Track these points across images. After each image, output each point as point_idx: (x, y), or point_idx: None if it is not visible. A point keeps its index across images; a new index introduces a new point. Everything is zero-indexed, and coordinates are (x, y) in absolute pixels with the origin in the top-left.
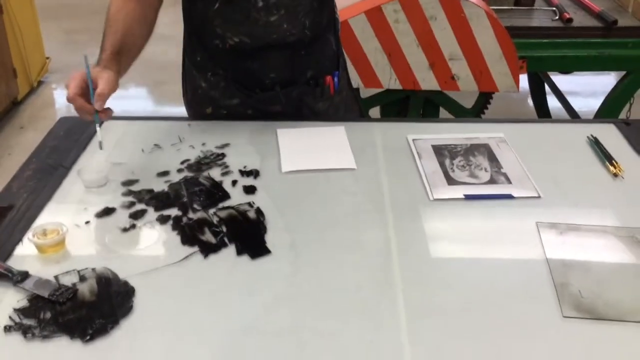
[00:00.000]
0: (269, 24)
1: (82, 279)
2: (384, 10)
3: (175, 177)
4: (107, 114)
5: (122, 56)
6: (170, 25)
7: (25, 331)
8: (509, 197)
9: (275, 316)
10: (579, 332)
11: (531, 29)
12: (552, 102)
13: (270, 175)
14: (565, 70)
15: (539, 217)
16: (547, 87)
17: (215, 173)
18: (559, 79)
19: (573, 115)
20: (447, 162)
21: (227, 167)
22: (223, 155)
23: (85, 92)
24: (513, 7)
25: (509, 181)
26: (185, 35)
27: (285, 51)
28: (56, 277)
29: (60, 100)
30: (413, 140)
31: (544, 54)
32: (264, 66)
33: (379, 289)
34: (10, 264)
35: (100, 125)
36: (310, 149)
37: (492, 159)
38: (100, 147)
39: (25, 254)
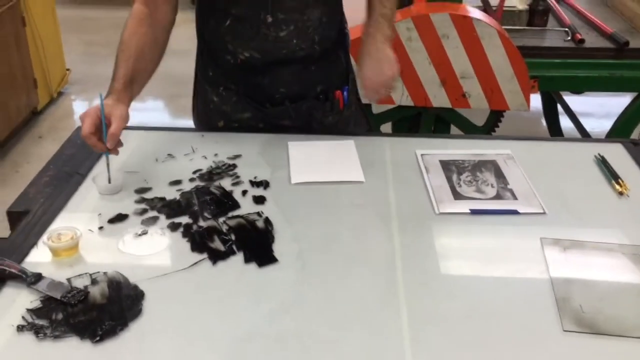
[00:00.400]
0: (279, 39)
1: (94, 282)
2: (397, 28)
3: (187, 186)
4: (117, 150)
5: (134, 84)
6: (186, 41)
7: (37, 331)
8: (515, 212)
9: (280, 323)
10: (579, 347)
11: (543, 49)
12: (566, 122)
13: (280, 186)
14: (577, 90)
15: (543, 233)
16: (560, 107)
17: (226, 183)
18: (572, 100)
19: (584, 136)
20: (455, 177)
21: (238, 177)
22: (234, 165)
23: (99, 128)
24: (526, 27)
25: (514, 197)
26: (197, 52)
27: (295, 66)
28: (69, 280)
29: (79, 111)
30: (421, 155)
31: (556, 74)
32: (274, 81)
33: (383, 299)
34: (25, 266)
35: (108, 159)
36: (319, 161)
37: (499, 175)
38: (109, 181)
39: (40, 257)
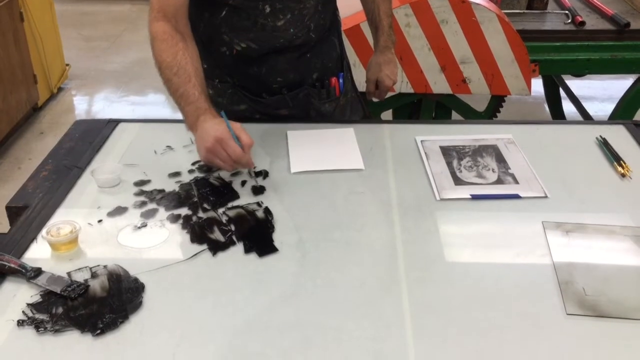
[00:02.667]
0: (276, 28)
1: (94, 275)
2: (395, 15)
3: (186, 178)
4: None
5: (209, 99)
6: None
7: (37, 325)
8: (516, 197)
9: (281, 312)
10: (582, 329)
11: (544, 32)
12: (568, 106)
13: (280, 176)
14: (578, 73)
15: (545, 217)
16: (562, 92)
17: (225, 173)
18: (574, 83)
19: (587, 119)
20: (455, 162)
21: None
22: None
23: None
24: (525, 11)
25: (516, 181)
26: None
27: (292, 54)
28: (69, 274)
29: (79, 107)
30: (421, 141)
31: (557, 57)
32: (270, 70)
33: (384, 287)
34: (24, 261)
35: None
36: (319, 150)
37: (500, 159)
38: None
39: (40, 251)
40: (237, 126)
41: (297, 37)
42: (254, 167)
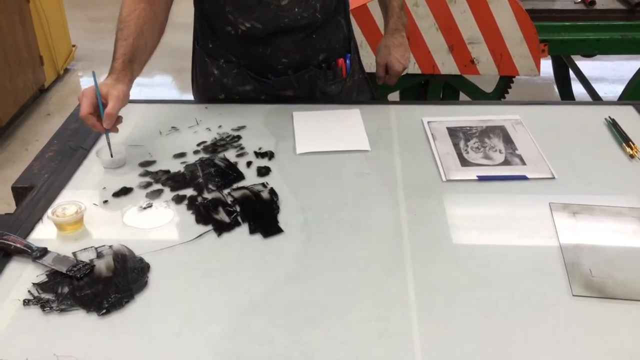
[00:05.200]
0: (281, 8)
1: (100, 255)
2: None
3: (192, 159)
4: (116, 128)
5: (134, 63)
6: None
7: (43, 305)
8: (523, 178)
9: (286, 293)
10: (588, 311)
11: (553, 11)
12: (578, 88)
13: (285, 157)
14: (588, 53)
15: (552, 198)
16: (572, 73)
17: (230, 154)
18: (584, 64)
19: (597, 101)
20: (462, 143)
21: (242, 148)
22: (239, 137)
23: (97, 108)
24: None
25: (523, 162)
26: (196, 23)
27: (297, 35)
28: (74, 254)
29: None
30: (428, 122)
31: (566, 37)
32: (275, 51)
33: (389, 267)
34: (30, 241)
35: (108, 137)
36: (325, 131)
37: (508, 140)
38: (111, 155)
39: (45, 232)
40: (113, 94)
41: (302, 17)
42: (253, 149)
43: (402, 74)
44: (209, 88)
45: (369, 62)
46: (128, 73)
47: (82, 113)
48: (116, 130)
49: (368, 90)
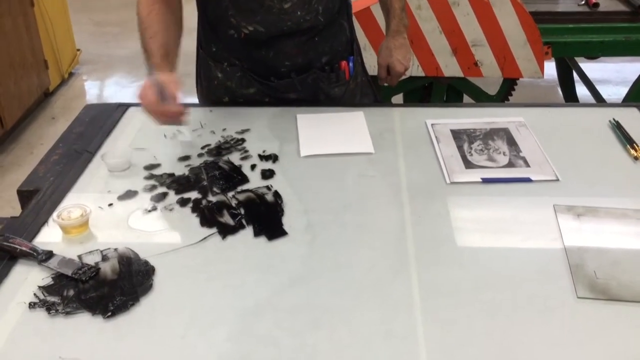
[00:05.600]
0: (283, 11)
1: (105, 258)
2: None
3: (196, 162)
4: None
5: (169, 56)
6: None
7: (49, 308)
8: (527, 180)
9: (290, 295)
10: (593, 313)
11: (556, 14)
12: (582, 90)
13: (289, 160)
14: (592, 55)
15: (557, 200)
16: (576, 75)
17: (234, 157)
18: (588, 67)
19: (600, 102)
20: (466, 146)
21: (246, 151)
22: (243, 140)
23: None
24: None
25: (527, 165)
26: (199, 27)
27: (300, 38)
28: (79, 257)
29: (90, 92)
30: (432, 124)
31: (570, 40)
32: (278, 54)
33: (394, 270)
34: (35, 244)
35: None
36: (328, 133)
37: (512, 142)
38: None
39: (51, 235)
40: (169, 79)
41: (304, 20)
42: (258, 153)
43: (405, 77)
44: (213, 91)
45: (372, 64)
46: (168, 66)
47: (150, 100)
48: (185, 119)
49: (371, 92)
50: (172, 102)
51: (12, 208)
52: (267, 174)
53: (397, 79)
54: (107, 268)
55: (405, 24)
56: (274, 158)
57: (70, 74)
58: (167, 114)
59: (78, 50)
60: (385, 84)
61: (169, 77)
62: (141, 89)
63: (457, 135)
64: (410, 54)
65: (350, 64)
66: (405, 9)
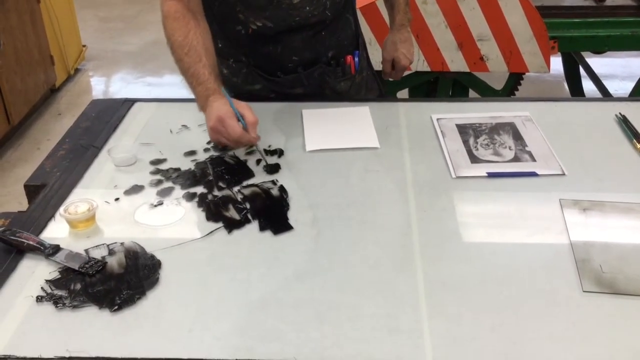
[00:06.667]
0: (292, 6)
1: (111, 252)
2: None
3: (202, 157)
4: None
5: (219, 78)
6: None
7: (56, 301)
8: (533, 174)
9: (295, 290)
10: (599, 307)
11: (563, 8)
12: (588, 85)
13: (295, 154)
14: (598, 50)
15: (563, 194)
16: (582, 70)
17: (240, 152)
18: (594, 61)
19: (607, 97)
20: (471, 140)
21: (252, 146)
22: None
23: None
24: None
25: (533, 159)
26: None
27: (307, 32)
28: (86, 251)
29: (96, 88)
30: (437, 119)
31: (576, 34)
32: (285, 49)
33: (399, 265)
34: (43, 238)
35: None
36: (334, 128)
37: (517, 137)
38: (266, 162)
39: (58, 229)
40: (242, 105)
41: (312, 15)
42: (263, 147)
43: (410, 72)
44: None
45: (378, 59)
46: (220, 89)
47: (238, 134)
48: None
49: (377, 87)
50: (251, 129)
51: (19, 203)
52: (273, 169)
53: (401, 73)
54: (113, 262)
55: (409, 17)
56: (279, 153)
57: (76, 70)
58: (242, 141)
59: (84, 46)
60: (390, 79)
61: (244, 105)
62: (216, 120)
63: (462, 129)
64: (414, 47)
65: (356, 59)
66: (409, 3)
